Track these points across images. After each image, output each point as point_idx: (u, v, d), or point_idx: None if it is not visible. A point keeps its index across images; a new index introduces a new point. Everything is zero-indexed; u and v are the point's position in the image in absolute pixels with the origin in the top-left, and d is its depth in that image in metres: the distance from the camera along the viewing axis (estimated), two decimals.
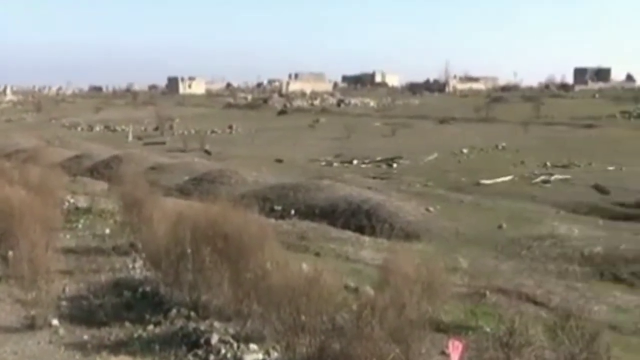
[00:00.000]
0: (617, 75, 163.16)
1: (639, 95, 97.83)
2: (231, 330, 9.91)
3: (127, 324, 10.44)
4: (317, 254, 16.45)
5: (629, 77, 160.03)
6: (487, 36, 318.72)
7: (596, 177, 30.90)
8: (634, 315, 12.69)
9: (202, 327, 9.97)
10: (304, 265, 10.59)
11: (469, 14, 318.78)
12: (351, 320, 8.46)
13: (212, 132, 57.55)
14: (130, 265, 13.78)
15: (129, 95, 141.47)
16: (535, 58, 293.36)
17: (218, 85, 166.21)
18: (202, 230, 11.08)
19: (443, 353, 8.89)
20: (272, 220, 19.25)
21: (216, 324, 10.14)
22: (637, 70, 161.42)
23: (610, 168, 34.38)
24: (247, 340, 9.60)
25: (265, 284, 9.42)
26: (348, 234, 19.63)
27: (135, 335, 10.02)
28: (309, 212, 22.30)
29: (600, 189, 27.97)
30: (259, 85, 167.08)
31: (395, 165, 36.16)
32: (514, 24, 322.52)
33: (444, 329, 10.17)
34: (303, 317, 8.58)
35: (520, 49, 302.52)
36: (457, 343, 8.32)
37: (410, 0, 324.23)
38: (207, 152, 42.99)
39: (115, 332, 10.18)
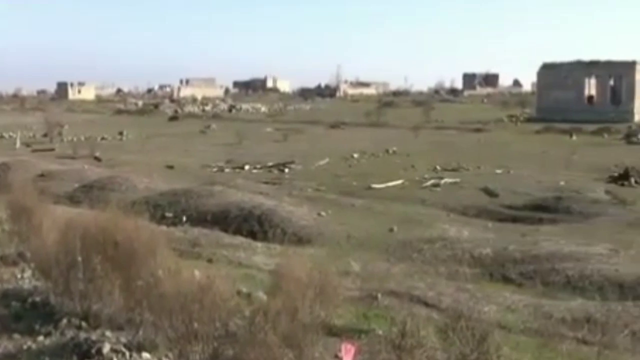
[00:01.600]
0: (505, 81, 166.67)
1: (525, 100, 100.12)
2: (123, 339, 9.77)
3: (15, 335, 10.20)
4: (210, 261, 16.34)
5: (516, 83, 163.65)
6: (378, 42, 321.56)
7: (485, 180, 31.43)
8: (522, 314, 12.93)
9: (94, 337, 9.81)
10: (197, 272, 10.52)
11: (359, 19, 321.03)
12: (244, 326, 8.43)
13: (103, 138, 56.69)
14: (19, 276, 13.46)
15: (16, 100, 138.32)
16: (426, 63, 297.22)
17: (108, 91, 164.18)
18: (93, 238, 10.90)
19: (336, 357, 8.93)
20: (164, 227, 19.04)
21: (108, 333, 10.00)
22: (524, 76, 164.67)
23: (499, 171, 35.03)
24: (140, 348, 9.49)
25: (157, 291, 9.32)
26: (240, 239, 19.55)
27: (25, 347, 9.79)
28: (201, 219, 22.16)
29: (489, 192, 28.46)
30: (150, 90, 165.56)
31: (287, 170, 36.17)
32: (405, 30, 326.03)
33: (336, 332, 10.21)
34: (196, 324, 8.52)
35: (411, 54, 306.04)
36: (349, 346, 8.36)
37: (299, 6, 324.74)
38: (98, 159, 42.32)
39: (3, 345, 9.93)
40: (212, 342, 8.50)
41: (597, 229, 22.31)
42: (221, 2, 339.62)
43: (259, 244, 19.12)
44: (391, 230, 21.05)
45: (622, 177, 32.49)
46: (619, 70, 77.83)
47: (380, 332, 10.03)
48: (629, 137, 56.84)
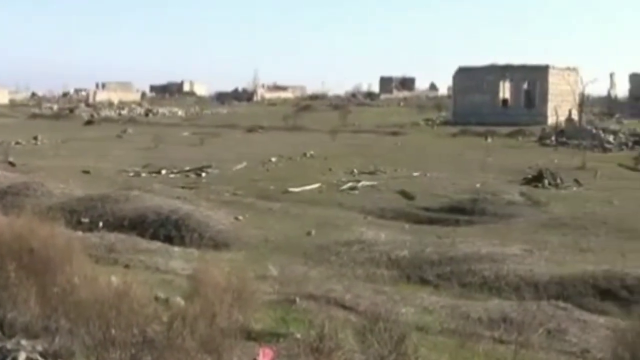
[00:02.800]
0: (421, 84, 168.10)
1: (441, 103, 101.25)
2: (39, 348, 9.61)
3: None
4: (127, 266, 16.18)
5: (432, 86, 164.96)
6: (295, 46, 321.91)
7: (402, 183, 31.68)
8: (439, 315, 13.06)
9: (9, 346, 9.63)
10: (113, 278, 10.43)
11: (276, 23, 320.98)
12: (162, 332, 8.39)
13: (17, 143, 55.65)
14: None
15: None
16: (343, 67, 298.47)
17: (23, 95, 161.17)
18: (7, 245, 10.72)
19: None
20: (80, 233, 18.79)
21: (23, 341, 9.82)
22: (440, 80, 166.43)
23: (416, 174, 35.32)
24: (56, 356, 9.35)
25: (74, 298, 9.22)
26: (157, 244, 19.39)
27: None
28: (118, 224, 21.91)
29: (406, 195, 28.68)
30: (65, 94, 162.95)
31: (204, 174, 35.98)
32: (322, 33, 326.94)
33: (255, 337, 10.20)
34: (113, 331, 8.44)
35: (328, 58, 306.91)
36: (267, 351, 8.37)
37: (215, 9, 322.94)
38: (12, 164, 41.53)
39: None
40: (129, 348, 8.42)
41: (512, 230, 22.65)
42: (136, 4, 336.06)
43: (177, 249, 18.99)
44: (309, 233, 21.09)
45: (536, 179, 33.04)
46: (532, 74, 79.10)
47: (299, 336, 10.04)
48: (542, 140, 57.85)
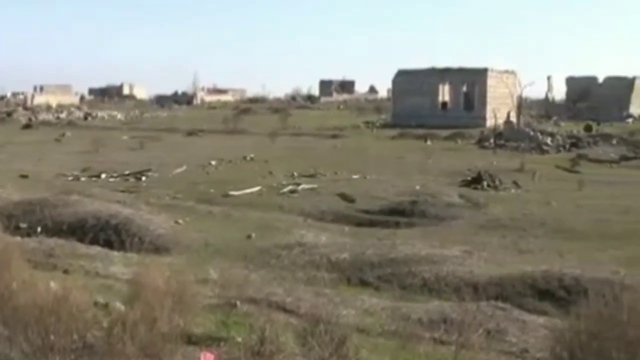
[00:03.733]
0: (361, 87, 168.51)
1: (381, 106, 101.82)
2: None
3: None
4: (66, 272, 16.02)
5: (372, 89, 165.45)
6: (235, 48, 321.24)
7: (342, 185, 31.77)
8: (380, 317, 13.12)
9: None
10: (52, 284, 10.32)
11: (215, 26, 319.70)
12: (102, 337, 8.34)
13: None
14: None
15: None
16: (283, 70, 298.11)
17: None
18: None
19: None
20: (18, 238, 18.55)
21: None
22: (380, 82, 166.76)
23: (355, 177, 35.42)
24: None
25: (12, 304, 9.13)
26: (97, 249, 19.21)
27: None
28: (57, 229, 21.67)
29: (345, 197, 28.74)
30: (2, 98, 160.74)
31: (144, 178, 35.73)
32: (262, 36, 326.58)
33: (195, 341, 10.17)
34: (52, 337, 8.37)
35: (268, 60, 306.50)
36: (208, 355, 8.35)
37: (154, 11, 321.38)
38: None
39: None
40: (69, 354, 8.36)
41: (451, 231, 22.84)
42: (75, 4, 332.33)
43: (116, 254, 18.84)
44: (249, 237, 21.05)
45: (475, 181, 33.36)
46: (471, 77, 79.84)
47: (240, 340, 10.03)
48: (481, 142, 58.45)
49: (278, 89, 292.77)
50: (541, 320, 13.39)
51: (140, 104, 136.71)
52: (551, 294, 15.29)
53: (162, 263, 13.85)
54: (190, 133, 67.75)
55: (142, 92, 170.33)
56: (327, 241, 20.17)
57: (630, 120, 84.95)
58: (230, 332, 10.94)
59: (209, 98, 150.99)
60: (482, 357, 11.02)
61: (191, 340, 10.04)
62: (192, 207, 26.23)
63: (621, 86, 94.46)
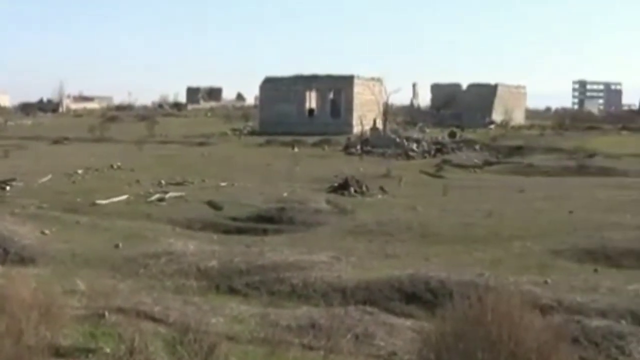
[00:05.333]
0: (228, 94, 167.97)
1: (248, 113, 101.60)
2: None
3: None
4: None
5: (240, 96, 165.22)
6: (102, 55, 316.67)
7: (210, 193, 31.64)
8: (249, 324, 13.17)
9: None
10: None
11: (81, 31, 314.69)
12: None
13: None
14: None
15: None
16: (150, 77, 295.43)
17: None
18: None
19: None
20: None
21: None
22: (247, 90, 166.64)
23: (223, 184, 35.31)
24: None
25: None
26: None
27: None
28: None
29: (213, 205, 28.65)
30: None
31: (8, 188, 34.81)
32: (129, 43, 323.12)
33: (63, 353, 10.04)
34: None
35: (135, 68, 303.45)
36: None
37: (21, 16, 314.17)
38: None
39: None
40: None
41: (319, 237, 23.03)
42: None
43: None
44: (117, 246, 20.78)
45: (342, 187, 33.65)
46: (338, 84, 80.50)
47: (108, 350, 9.96)
48: (347, 149, 59.07)
49: (145, 96, 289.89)
50: (408, 323, 13.66)
51: (4, 111, 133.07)
52: (418, 297, 15.60)
53: (28, 274, 13.64)
54: (56, 141, 66.37)
55: (5, 100, 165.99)
56: (196, 249, 20.08)
57: (492, 126, 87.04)
58: (99, 343, 10.83)
59: (75, 106, 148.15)
60: None
61: (59, 352, 9.91)
62: (59, 217, 25.73)
63: (484, 93, 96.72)
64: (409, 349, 11.63)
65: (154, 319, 12.95)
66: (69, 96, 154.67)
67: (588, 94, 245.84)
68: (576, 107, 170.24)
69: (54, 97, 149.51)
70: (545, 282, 16.40)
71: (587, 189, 35.01)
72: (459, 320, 9.29)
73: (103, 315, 12.77)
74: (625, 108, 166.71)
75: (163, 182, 35.83)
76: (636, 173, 43.28)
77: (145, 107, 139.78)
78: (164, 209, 28.50)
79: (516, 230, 23.08)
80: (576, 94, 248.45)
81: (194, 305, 14.27)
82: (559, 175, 43.53)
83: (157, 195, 31.15)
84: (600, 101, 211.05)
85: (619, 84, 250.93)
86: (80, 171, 40.85)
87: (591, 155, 52.69)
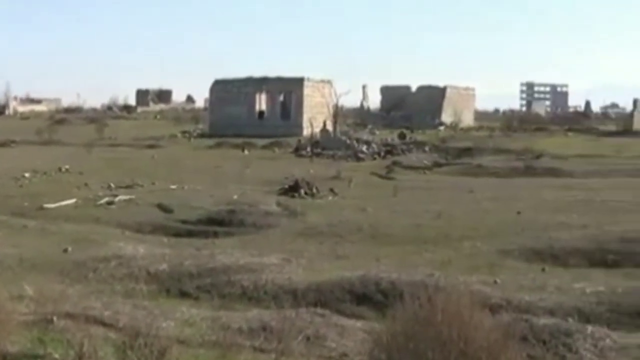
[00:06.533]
0: (178, 96, 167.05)
1: (198, 115, 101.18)
2: None
3: None
4: None
5: (189, 98, 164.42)
6: (49, 57, 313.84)
7: (160, 196, 31.45)
8: (200, 328, 13.12)
9: None
10: None
11: (27, 32, 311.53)
12: None
13: None
14: None
15: None
16: (99, 79, 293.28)
17: None
18: None
19: None
20: None
21: None
22: (197, 92, 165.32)
23: (173, 187, 35.14)
24: None
25: None
26: None
27: None
28: None
29: (163, 208, 28.50)
30: None
31: None
32: (76, 45, 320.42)
33: None
34: None
35: (84, 70, 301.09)
36: None
37: None
38: None
39: None
40: None
41: (270, 240, 23.05)
42: None
43: None
44: (65, 250, 20.58)
45: (293, 189, 33.65)
46: (288, 86, 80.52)
47: (57, 356, 9.88)
48: (298, 151, 59.13)
49: (94, 98, 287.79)
50: (359, 324, 13.69)
51: None
52: (369, 298, 15.67)
53: None
54: (2, 144, 65.54)
55: None
56: (146, 253, 19.97)
57: (442, 127, 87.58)
58: (48, 349, 10.73)
59: (22, 108, 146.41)
60: None
61: (6, 359, 9.79)
62: (6, 221, 25.45)
63: (433, 95, 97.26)
64: (360, 350, 11.67)
65: (103, 324, 12.84)
66: (15, 98, 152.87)
67: (535, 95, 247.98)
68: (524, 108, 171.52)
69: (0, 99, 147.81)
70: (495, 281, 16.56)
71: (535, 189, 35.37)
72: (410, 320, 9.34)
73: (51, 321, 12.65)
74: (572, 109, 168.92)
75: (112, 185, 35.56)
76: (582, 174, 43.85)
77: (94, 110, 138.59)
78: (114, 212, 28.30)
79: (466, 231, 23.28)
80: (524, 95, 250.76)
81: (144, 309, 14.18)
82: (507, 176, 43.89)
83: (106, 199, 30.89)
84: (547, 103, 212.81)
85: (566, 85, 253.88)
86: (27, 174, 40.38)
87: (538, 156, 53.29)
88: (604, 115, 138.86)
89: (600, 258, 19.75)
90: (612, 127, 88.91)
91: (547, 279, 17.12)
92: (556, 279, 17.18)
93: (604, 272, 18.42)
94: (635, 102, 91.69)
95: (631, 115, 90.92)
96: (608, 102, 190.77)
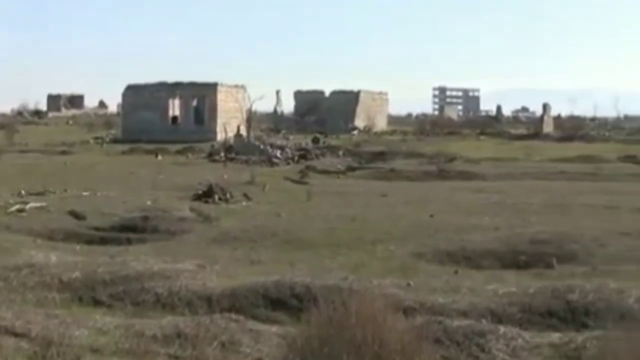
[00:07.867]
0: (91, 102, 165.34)
1: (111, 120, 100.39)
2: None
3: None
4: None
5: (102, 104, 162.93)
6: None
7: (72, 203, 31.05)
8: (114, 336, 13.01)
9: None
10: None
11: None
12: None
13: None
14: None
15: None
16: (9, 84, 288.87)
17: None
18: None
19: None
20: None
21: None
22: (109, 97, 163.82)
23: (86, 193, 34.76)
24: None
25: None
26: None
27: None
28: None
29: (76, 215, 28.15)
30: None
31: None
32: None
33: None
34: None
35: None
36: None
37: None
38: None
39: None
40: None
41: (184, 246, 22.93)
42: None
43: None
44: None
45: (206, 195, 33.52)
46: (202, 92, 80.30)
47: None
48: (212, 156, 59.00)
49: (3, 103, 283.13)
50: (274, 329, 13.71)
51: None
52: (283, 302, 15.70)
53: None
54: None
55: None
56: (58, 260, 19.69)
57: (355, 132, 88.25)
58: None
59: None
60: None
61: None
62: None
63: (347, 100, 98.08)
64: (275, 355, 11.71)
65: (15, 334, 12.65)
66: None
67: (448, 100, 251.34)
68: (437, 113, 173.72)
69: None
70: (408, 284, 16.70)
71: (447, 192, 35.86)
72: (324, 324, 9.42)
73: None
74: (483, 114, 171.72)
75: (23, 192, 34.99)
76: (494, 176, 44.62)
77: (3, 115, 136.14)
78: (25, 219, 27.85)
79: (379, 234, 23.47)
80: (436, 100, 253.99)
81: (56, 318, 14.00)
82: (420, 179, 44.43)
83: (17, 206, 30.37)
84: (460, 107, 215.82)
85: (477, 90, 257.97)
86: None
87: (451, 160, 54.13)
88: (515, 119, 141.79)
89: (512, 259, 20.14)
90: (523, 131, 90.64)
91: (460, 281, 17.33)
92: (469, 280, 17.39)
93: (515, 273, 18.76)
94: (545, 106, 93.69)
95: (541, 119, 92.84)
96: (519, 106, 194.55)
